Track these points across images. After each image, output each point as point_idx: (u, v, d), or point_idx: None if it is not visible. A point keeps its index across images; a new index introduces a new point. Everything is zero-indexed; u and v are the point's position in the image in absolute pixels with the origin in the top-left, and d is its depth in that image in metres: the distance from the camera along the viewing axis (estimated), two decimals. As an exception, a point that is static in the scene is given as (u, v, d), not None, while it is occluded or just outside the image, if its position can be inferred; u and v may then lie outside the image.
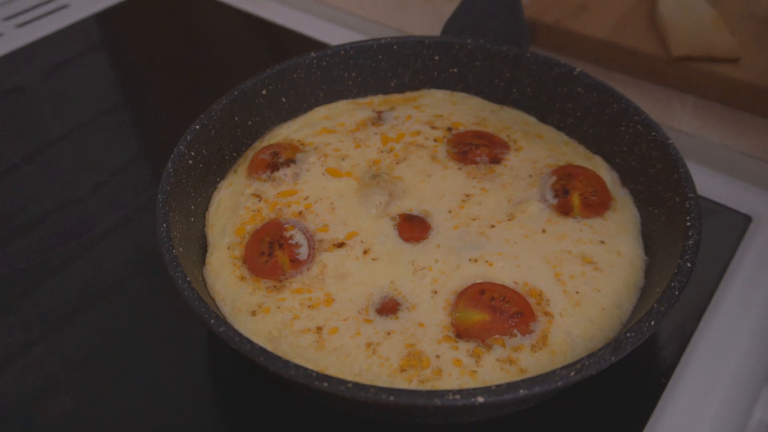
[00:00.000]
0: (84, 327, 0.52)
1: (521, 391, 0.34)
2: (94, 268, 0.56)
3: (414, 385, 0.39)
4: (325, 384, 0.34)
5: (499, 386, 0.34)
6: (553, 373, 0.34)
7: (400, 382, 0.40)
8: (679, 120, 0.61)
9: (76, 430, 0.45)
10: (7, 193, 0.64)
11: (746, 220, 0.55)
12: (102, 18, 0.85)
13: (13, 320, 0.53)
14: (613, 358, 0.35)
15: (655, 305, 0.38)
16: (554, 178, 0.51)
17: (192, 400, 0.46)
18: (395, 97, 0.61)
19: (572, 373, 0.34)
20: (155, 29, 0.85)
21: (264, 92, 0.56)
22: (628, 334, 0.36)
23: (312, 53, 0.58)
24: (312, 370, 0.35)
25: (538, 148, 0.54)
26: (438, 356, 0.41)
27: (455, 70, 0.60)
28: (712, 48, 0.62)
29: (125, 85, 0.79)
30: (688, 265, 0.39)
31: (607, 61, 0.67)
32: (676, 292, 0.38)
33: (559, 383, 0.34)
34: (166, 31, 0.84)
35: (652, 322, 0.37)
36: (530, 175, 0.52)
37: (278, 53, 0.80)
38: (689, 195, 0.44)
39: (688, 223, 0.42)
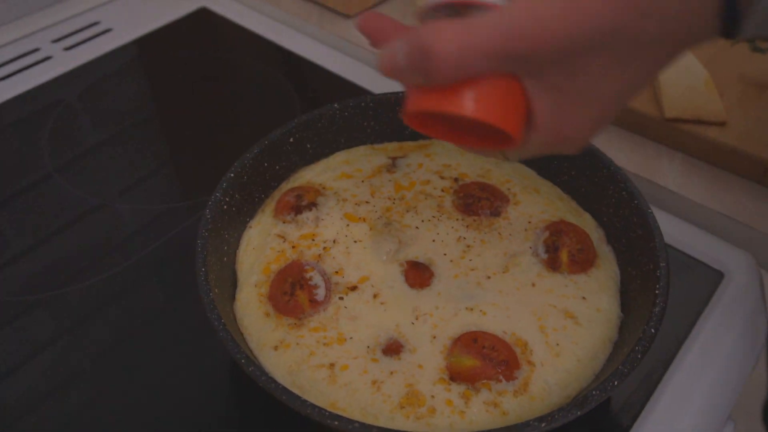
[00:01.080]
0: (109, 322, 0.59)
1: (499, 438, 0.40)
2: (120, 268, 0.63)
3: (411, 421, 0.46)
4: (336, 423, 0.41)
5: (481, 433, 0.41)
6: (526, 423, 0.41)
7: (400, 418, 0.46)
8: (665, 176, 0.67)
9: (98, 416, 0.52)
10: (41, 198, 0.71)
11: (719, 276, 0.60)
12: (142, 42, 0.91)
13: (45, 314, 0.61)
14: (579, 413, 0.42)
15: (620, 367, 0.44)
16: (547, 233, 0.58)
17: (208, 392, 0.54)
18: (409, 144, 0.67)
19: (543, 425, 0.41)
20: (190, 55, 0.91)
21: (291, 140, 0.62)
22: (594, 392, 0.43)
23: (335, 105, 0.64)
24: (326, 410, 0.42)
25: (534, 203, 0.61)
26: (433, 396, 0.47)
27: (464, 123, 0.66)
28: (701, 111, 0.68)
29: (158, 102, 0.86)
30: (652, 331, 0.46)
31: (606, 116, 0.73)
32: (639, 356, 0.44)
33: (532, 433, 0.41)
34: (199, 57, 0.91)
35: (616, 382, 0.43)
36: (525, 229, 0.58)
37: (301, 82, 0.86)
38: (661, 265, 0.50)
39: (657, 291, 0.48)
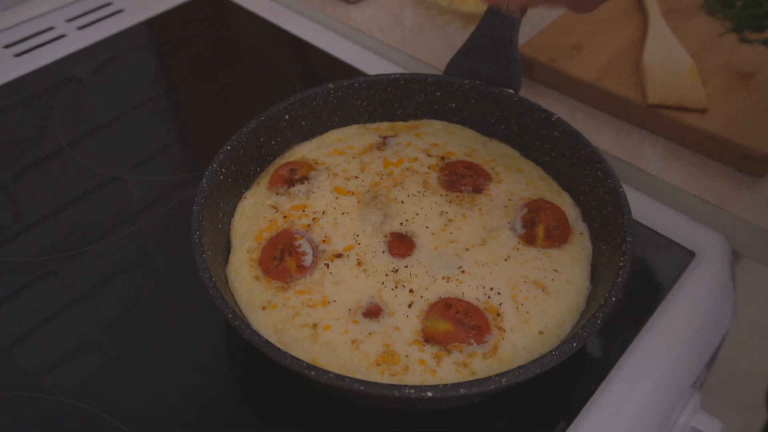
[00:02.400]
0: (116, 293, 0.63)
1: (461, 390, 0.44)
2: (128, 240, 0.67)
3: (386, 378, 0.50)
4: (312, 373, 0.45)
5: (445, 385, 0.44)
6: (488, 378, 0.44)
7: (375, 374, 0.50)
8: (647, 161, 0.70)
9: (99, 387, 0.56)
10: (54, 173, 0.75)
11: (690, 255, 0.63)
12: (152, 23, 0.95)
13: (55, 283, 0.65)
14: (538, 371, 0.45)
15: (579, 331, 0.47)
16: (525, 210, 0.61)
17: (209, 361, 0.57)
18: (400, 124, 0.70)
19: (503, 380, 0.44)
20: (197, 35, 0.95)
21: (287, 117, 0.66)
22: (553, 353, 0.46)
23: (330, 84, 0.67)
24: (303, 361, 0.45)
25: (516, 181, 0.64)
26: (407, 356, 0.51)
27: (453, 104, 0.69)
28: (683, 98, 0.70)
29: (166, 80, 0.90)
30: (613, 299, 0.49)
31: (593, 101, 0.75)
32: (599, 321, 0.48)
33: (492, 387, 0.44)
34: (206, 38, 0.94)
35: (574, 344, 0.46)
36: (505, 206, 0.61)
37: (302, 64, 0.89)
38: (627, 239, 0.52)
39: (621, 264, 0.51)
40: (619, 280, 0.50)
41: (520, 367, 0.45)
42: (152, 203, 0.71)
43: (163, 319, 0.60)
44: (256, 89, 0.86)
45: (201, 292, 0.59)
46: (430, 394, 0.44)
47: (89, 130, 0.80)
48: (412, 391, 0.44)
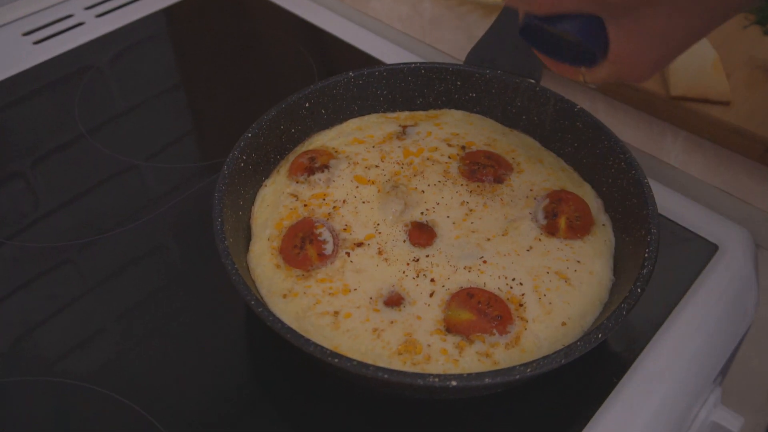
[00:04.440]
0: (133, 279, 0.63)
1: (486, 380, 0.44)
2: (145, 227, 0.67)
3: (407, 367, 0.49)
4: (336, 360, 0.45)
5: (469, 374, 0.44)
6: (512, 368, 0.44)
7: (397, 363, 0.50)
8: (669, 153, 0.69)
9: (118, 372, 0.56)
10: (73, 160, 0.75)
11: (714, 248, 0.63)
12: (170, 11, 0.95)
13: (72, 270, 0.65)
14: (563, 361, 0.45)
15: (605, 321, 0.47)
16: (547, 200, 0.60)
17: (226, 348, 0.57)
18: (420, 113, 0.70)
19: (528, 370, 0.44)
20: (215, 24, 0.95)
21: (307, 105, 0.65)
22: (578, 343, 0.46)
23: (350, 73, 0.67)
24: (326, 348, 0.45)
25: (537, 172, 0.63)
26: (429, 345, 0.51)
27: (474, 94, 0.68)
28: (706, 91, 0.69)
29: (184, 68, 0.90)
30: (638, 291, 0.48)
31: (613, 94, 0.75)
32: (624, 312, 0.47)
33: (517, 376, 0.44)
34: (224, 27, 0.94)
35: (600, 335, 0.46)
36: (527, 196, 0.61)
37: (320, 54, 0.89)
38: (652, 231, 0.52)
39: (646, 255, 0.51)
40: (644, 271, 0.50)
41: (545, 356, 0.45)
42: (170, 191, 0.71)
43: (180, 305, 0.60)
44: (274, 78, 0.85)
45: (218, 280, 0.59)
46: (454, 383, 0.43)
47: (109, 117, 0.80)
48: (437, 379, 0.43)
